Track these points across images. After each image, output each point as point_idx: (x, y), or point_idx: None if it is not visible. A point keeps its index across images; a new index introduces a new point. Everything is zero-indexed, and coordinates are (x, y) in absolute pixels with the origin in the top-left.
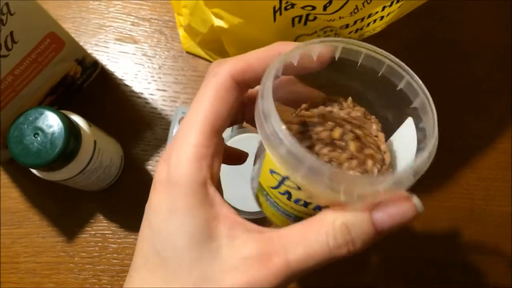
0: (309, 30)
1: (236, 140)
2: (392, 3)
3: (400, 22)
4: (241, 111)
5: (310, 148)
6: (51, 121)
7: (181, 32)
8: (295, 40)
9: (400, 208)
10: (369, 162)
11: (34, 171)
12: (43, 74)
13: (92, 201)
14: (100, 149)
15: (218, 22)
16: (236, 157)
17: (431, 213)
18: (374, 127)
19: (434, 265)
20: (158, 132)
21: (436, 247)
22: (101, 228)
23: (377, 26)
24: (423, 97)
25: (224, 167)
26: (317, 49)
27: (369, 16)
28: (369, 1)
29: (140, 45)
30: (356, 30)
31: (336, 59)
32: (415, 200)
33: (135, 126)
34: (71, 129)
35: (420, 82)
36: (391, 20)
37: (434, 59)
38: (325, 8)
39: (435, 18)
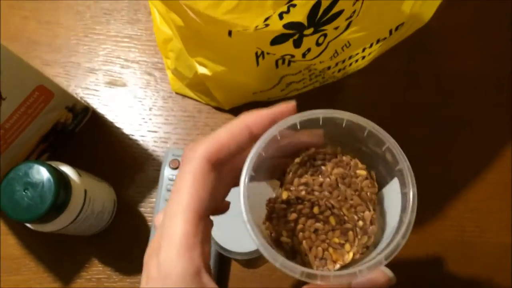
0: (293, 70)
1: None
2: (371, 44)
3: (383, 56)
4: (225, 189)
5: (296, 220)
6: (41, 175)
7: (169, 74)
8: (279, 81)
9: (374, 281)
10: (350, 234)
11: (26, 223)
12: (33, 125)
13: (86, 246)
14: (91, 197)
15: (201, 70)
16: (221, 208)
17: (422, 246)
18: (359, 180)
19: None
20: (150, 174)
21: (427, 279)
22: (96, 272)
23: (360, 64)
24: (404, 168)
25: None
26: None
27: (350, 57)
28: (348, 45)
29: (130, 87)
30: (339, 70)
31: (320, 122)
32: (388, 272)
33: (127, 168)
34: (60, 181)
35: (400, 151)
36: (373, 57)
37: (419, 91)
38: (304, 55)
39: (418, 51)
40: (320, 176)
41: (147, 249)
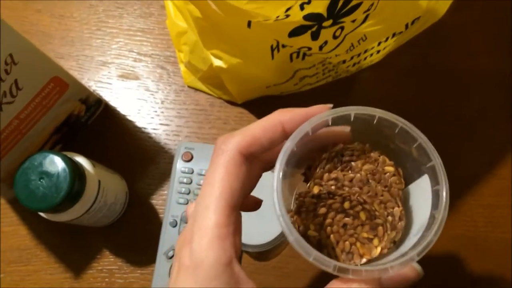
0: (308, 64)
1: None
2: (387, 38)
3: (397, 51)
4: (253, 181)
5: (325, 215)
6: (56, 165)
7: (182, 67)
8: (293, 75)
9: (404, 276)
10: (380, 229)
11: (40, 213)
12: (48, 116)
13: (98, 237)
14: (105, 188)
15: (217, 62)
16: (252, 204)
17: (436, 242)
18: (387, 176)
19: None
20: (162, 167)
21: (440, 275)
22: (107, 263)
23: (375, 59)
24: (437, 164)
25: None
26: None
27: (365, 51)
28: (364, 39)
29: (143, 80)
30: (354, 64)
31: (352, 118)
32: (418, 267)
33: (139, 161)
34: (75, 171)
35: (432, 148)
36: (387, 52)
37: (432, 86)
38: (321, 48)
39: (432, 46)
40: (350, 171)
41: (178, 238)
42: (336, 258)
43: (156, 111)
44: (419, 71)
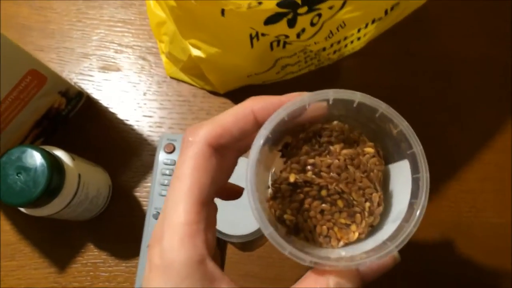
0: (289, 53)
1: None
2: (367, 24)
3: (380, 38)
4: (227, 171)
5: (302, 201)
6: (34, 159)
7: (163, 58)
8: (274, 63)
9: (383, 264)
10: (357, 216)
11: (20, 208)
12: (26, 110)
13: (82, 231)
14: (85, 182)
15: (195, 52)
16: (233, 192)
17: (419, 227)
18: (367, 159)
19: (424, 279)
20: (145, 159)
21: (423, 261)
22: (91, 257)
23: (356, 46)
24: (418, 153)
25: None
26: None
27: (345, 38)
28: (343, 25)
29: (124, 72)
30: (334, 52)
31: (330, 102)
32: (395, 254)
33: (122, 154)
34: (53, 165)
35: (414, 135)
36: (369, 39)
37: (415, 74)
38: (298, 35)
39: (415, 32)
40: (327, 156)
41: (151, 234)
42: (313, 241)
43: (138, 103)
44: (403, 58)
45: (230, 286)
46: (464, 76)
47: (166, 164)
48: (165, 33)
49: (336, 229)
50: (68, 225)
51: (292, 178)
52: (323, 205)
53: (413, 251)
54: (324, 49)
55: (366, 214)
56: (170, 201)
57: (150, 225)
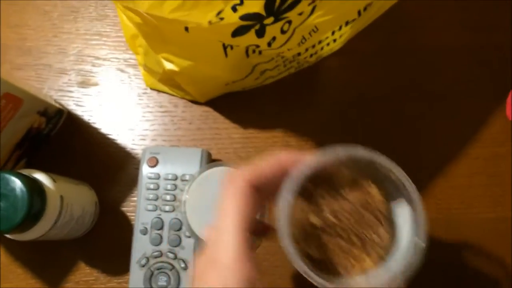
0: (266, 58)
1: (206, 175)
2: (341, 27)
3: (359, 36)
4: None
5: (321, 238)
6: (13, 185)
7: (141, 69)
8: (252, 69)
9: None
10: (369, 249)
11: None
12: (5, 133)
13: (72, 249)
14: (69, 203)
15: (168, 66)
16: (264, 230)
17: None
18: (374, 201)
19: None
20: (130, 172)
21: None
22: (83, 275)
23: (334, 47)
24: (415, 199)
25: (199, 203)
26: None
27: (320, 42)
28: (315, 30)
29: (104, 85)
30: (311, 55)
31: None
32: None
33: (107, 169)
34: (33, 190)
35: (410, 183)
36: (346, 39)
37: (397, 68)
38: (269, 44)
39: (394, 26)
40: (341, 200)
41: (198, 261)
42: (334, 269)
43: (120, 116)
44: (383, 54)
45: None
46: (448, 69)
47: (150, 178)
48: (139, 45)
49: (352, 260)
50: (58, 244)
51: (314, 220)
52: (341, 242)
53: None
54: (299, 54)
55: (376, 246)
56: (220, 230)
57: (137, 241)
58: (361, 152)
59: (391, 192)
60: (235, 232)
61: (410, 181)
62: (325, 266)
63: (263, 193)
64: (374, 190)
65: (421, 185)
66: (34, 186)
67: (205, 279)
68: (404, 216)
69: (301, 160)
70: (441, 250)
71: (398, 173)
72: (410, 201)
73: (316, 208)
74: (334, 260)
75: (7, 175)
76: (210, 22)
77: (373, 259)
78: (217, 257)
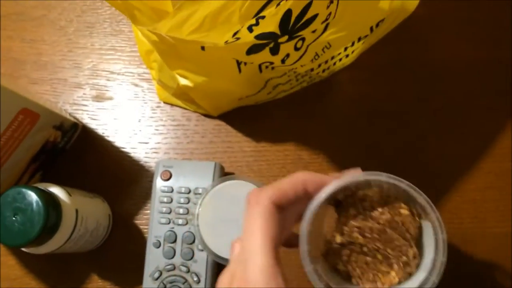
0: (278, 73)
1: (220, 188)
2: (353, 43)
3: (370, 50)
4: (285, 229)
5: (349, 254)
6: (29, 199)
7: (155, 84)
8: (265, 84)
9: None
10: (395, 266)
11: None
12: (21, 147)
13: (85, 261)
14: (84, 216)
15: (183, 81)
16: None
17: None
18: (402, 220)
19: None
20: (143, 185)
21: None
22: (96, 287)
23: (346, 62)
24: (434, 219)
25: (212, 216)
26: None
27: (332, 58)
28: (328, 46)
29: (118, 99)
30: (324, 70)
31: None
32: None
33: (121, 181)
34: (49, 203)
35: (431, 204)
36: (358, 54)
37: (408, 82)
38: (283, 61)
39: (405, 41)
40: (370, 220)
41: (220, 280)
42: (362, 284)
43: (133, 130)
44: (395, 68)
45: None
46: (458, 83)
47: (163, 191)
48: (154, 60)
49: (380, 275)
50: (72, 257)
51: (338, 239)
52: (367, 258)
53: None
54: (312, 69)
55: (402, 265)
56: (247, 251)
57: (150, 254)
58: (381, 177)
59: (418, 211)
60: (264, 252)
61: (430, 202)
62: (354, 281)
63: (290, 212)
64: (405, 211)
65: (434, 200)
66: (50, 200)
67: None
68: (429, 234)
69: (324, 181)
70: (454, 264)
71: (418, 196)
72: (432, 222)
73: (346, 228)
74: (362, 274)
75: (23, 190)
76: (226, 42)
77: (400, 274)
78: (248, 278)
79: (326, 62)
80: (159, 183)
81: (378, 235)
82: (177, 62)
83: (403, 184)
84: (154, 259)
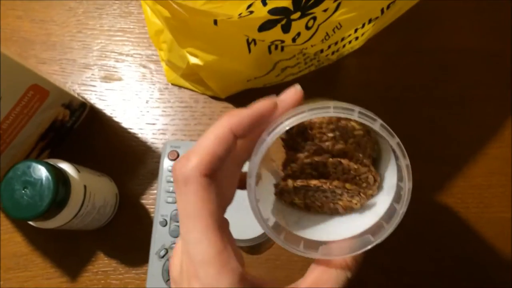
0: (287, 55)
1: None
2: (363, 24)
3: (379, 35)
4: (229, 188)
5: (305, 193)
6: (39, 173)
7: (164, 65)
8: (274, 66)
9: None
10: (355, 197)
11: (29, 221)
12: (31, 124)
13: (91, 240)
14: (91, 193)
15: (193, 60)
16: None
17: (427, 225)
18: (358, 142)
19: (434, 276)
20: (150, 166)
21: (433, 257)
22: (102, 265)
23: (355, 45)
24: (395, 146)
25: None
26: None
27: (343, 39)
28: (339, 27)
29: (126, 81)
30: (333, 52)
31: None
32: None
33: (128, 162)
34: (59, 178)
35: (389, 131)
36: (367, 37)
37: (417, 69)
38: (294, 40)
39: (414, 29)
40: (322, 155)
41: (173, 276)
42: (323, 213)
43: (141, 111)
44: (402, 55)
45: (274, 286)
46: (466, 70)
47: (170, 171)
48: (163, 41)
49: (340, 203)
50: (78, 234)
51: (290, 184)
52: (325, 194)
53: (421, 248)
54: (321, 50)
55: (362, 193)
56: (190, 240)
57: (157, 232)
58: (331, 111)
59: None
60: (210, 241)
61: (387, 127)
62: (314, 212)
63: (228, 166)
64: (359, 132)
65: (440, 185)
66: (59, 175)
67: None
68: (391, 161)
69: (250, 118)
70: (459, 248)
71: (374, 125)
72: (393, 149)
73: (296, 167)
74: (322, 206)
75: (34, 164)
76: (240, 15)
77: (361, 201)
78: (197, 272)
79: (336, 43)
80: (166, 163)
81: (334, 169)
82: (188, 40)
83: (354, 114)
84: (160, 238)
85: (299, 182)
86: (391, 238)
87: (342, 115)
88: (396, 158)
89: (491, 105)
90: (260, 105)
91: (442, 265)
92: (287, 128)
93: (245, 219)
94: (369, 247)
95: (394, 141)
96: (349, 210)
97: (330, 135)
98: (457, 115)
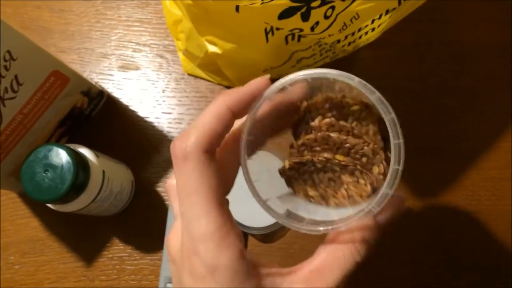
0: (304, 46)
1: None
2: (381, 15)
3: (394, 28)
4: (231, 169)
5: (311, 177)
6: (60, 157)
7: (180, 55)
8: (290, 57)
9: (394, 207)
10: (356, 173)
11: (48, 204)
12: (51, 110)
13: (107, 226)
14: (109, 178)
15: (212, 48)
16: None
17: (439, 217)
18: (354, 117)
19: (445, 268)
20: (166, 155)
21: (444, 249)
22: (117, 251)
23: (371, 37)
24: (389, 120)
25: (234, 186)
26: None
27: (359, 30)
28: (357, 17)
29: (143, 70)
30: (349, 43)
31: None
32: (399, 195)
33: (144, 150)
34: (79, 162)
35: (385, 105)
36: (383, 29)
37: (431, 62)
38: (312, 29)
39: (430, 21)
40: (312, 132)
41: (172, 253)
42: (341, 204)
43: (157, 100)
44: (417, 47)
45: (274, 267)
46: (482, 62)
47: None
48: (181, 31)
49: (352, 187)
50: (94, 220)
51: (286, 164)
52: (327, 174)
53: (433, 239)
54: (338, 41)
55: (364, 167)
56: (190, 216)
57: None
58: (333, 73)
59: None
60: (209, 217)
61: (386, 104)
62: (332, 202)
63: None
64: (355, 107)
65: (453, 177)
66: (79, 159)
67: (191, 273)
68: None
69: (247, 95)
70: (471, 240)
71: (372, 95)
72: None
73: (293, 150)
74: (335, 193)
75: (55, 147)
76: (263, 1)
77: (370, 178)
78: (196, 247)
79: (353, 34)
80: None
81: (326, 144)
82: (208, 28)
83: (355, 79)
84: None
85: (293, 159)
86: (404, 231)
87: (341, 78)
88: (391, 134)
89: (506, 99)
90: (254, 82)
91: (453, 256)
92: (281, 86)
93: (258, 207)
94: (375, 212)
95: (389, 117)
96: (365, 197)
97: (329, 115)
98: (471, 107)
